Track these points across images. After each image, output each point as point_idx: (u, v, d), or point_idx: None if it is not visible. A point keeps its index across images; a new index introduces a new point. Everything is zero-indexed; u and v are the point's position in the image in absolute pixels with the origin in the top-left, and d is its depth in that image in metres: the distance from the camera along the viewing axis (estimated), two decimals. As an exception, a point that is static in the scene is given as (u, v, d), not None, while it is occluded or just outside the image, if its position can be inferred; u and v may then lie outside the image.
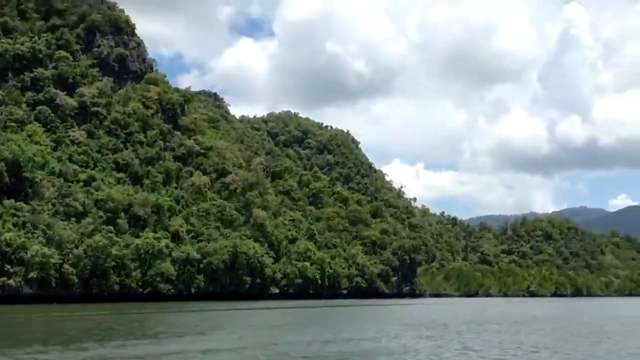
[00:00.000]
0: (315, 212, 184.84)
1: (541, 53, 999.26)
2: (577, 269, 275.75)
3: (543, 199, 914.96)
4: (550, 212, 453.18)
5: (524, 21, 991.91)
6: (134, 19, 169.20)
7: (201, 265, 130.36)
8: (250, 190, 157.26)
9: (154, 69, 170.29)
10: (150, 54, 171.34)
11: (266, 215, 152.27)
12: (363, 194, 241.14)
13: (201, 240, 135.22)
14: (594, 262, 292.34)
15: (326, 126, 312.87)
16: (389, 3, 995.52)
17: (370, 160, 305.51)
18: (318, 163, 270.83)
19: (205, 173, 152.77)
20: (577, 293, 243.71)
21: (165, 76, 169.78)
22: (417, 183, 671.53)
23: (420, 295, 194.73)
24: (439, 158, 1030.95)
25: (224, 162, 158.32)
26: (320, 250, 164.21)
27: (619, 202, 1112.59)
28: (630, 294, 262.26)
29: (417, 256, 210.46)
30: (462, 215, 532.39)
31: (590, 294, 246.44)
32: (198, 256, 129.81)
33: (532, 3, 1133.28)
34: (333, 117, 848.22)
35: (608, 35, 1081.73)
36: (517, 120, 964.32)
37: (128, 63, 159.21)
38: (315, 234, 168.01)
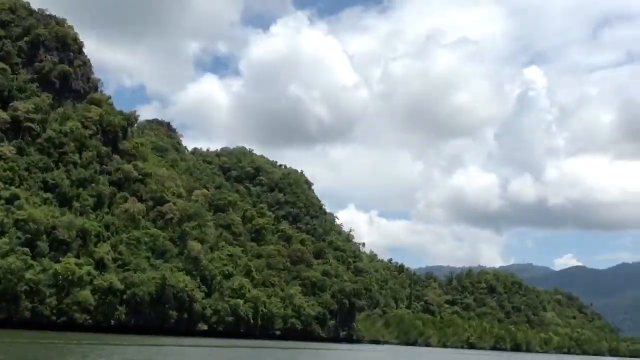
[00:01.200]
0: (256, 248, 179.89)
1: (499, 112, 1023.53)
2: (519, 324, 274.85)
3: (492, 253, 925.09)
4: (497, 266, 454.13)
5: (484, 80, 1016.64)
6: (94, 45, 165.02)
7: (124, 296, 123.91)
8: (187, 221, 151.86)
9: (99, 90, 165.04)
10: (112, 84, 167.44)
11: (201, 248, 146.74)
12: (311, 235, 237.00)
13: (127, 270, 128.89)
14: (536, 318, 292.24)
15: (280, 165, 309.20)
16: (354, 51, 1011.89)
17: (325, 203, 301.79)
18: (268, 201, 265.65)
19: (141, 200, 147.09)
20: (517, 348, 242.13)
21: (109, 98, 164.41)
22: (371, 230, 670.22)
23: (358, 341, 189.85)
24: (394, 206, 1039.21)
25: (163, 190, 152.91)
26: (257, 288, 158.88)
27: (564, 261, 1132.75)
28: (569, 352, 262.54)
29: (359, 301, 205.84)
30: (413, 265, 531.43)
31: (529, 350, 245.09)
32: (121, 286, 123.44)
33: (494, 63, 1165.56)
34: (291, 159, 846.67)
35: (564, 100, 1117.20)
36: (471, 175, 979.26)
37: (71, 81, 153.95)
38: (252, 271, 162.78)
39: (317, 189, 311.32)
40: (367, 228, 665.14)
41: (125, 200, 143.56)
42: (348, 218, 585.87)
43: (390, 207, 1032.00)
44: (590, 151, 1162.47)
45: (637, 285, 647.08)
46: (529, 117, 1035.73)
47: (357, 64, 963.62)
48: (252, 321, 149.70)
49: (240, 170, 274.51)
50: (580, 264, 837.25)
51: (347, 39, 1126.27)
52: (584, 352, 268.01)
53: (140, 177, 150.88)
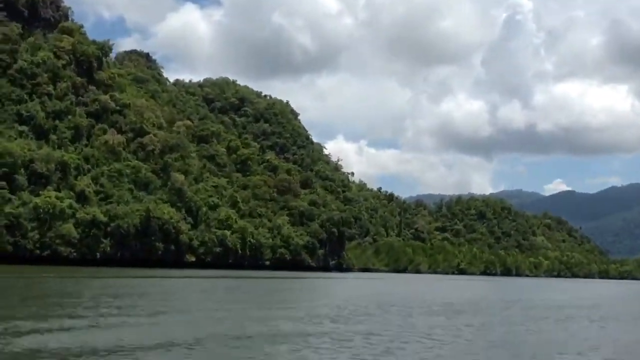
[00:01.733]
0: (241, 179, 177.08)
1: (486, 37, 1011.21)
2: (509, 249, 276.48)
3: (481, 180, 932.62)
4: (487, 193, 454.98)
5: (469, 4, 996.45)
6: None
7: (108, 229, 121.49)
8: (170, 153, 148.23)
9: (70, 19, 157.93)
10: (91, 16, 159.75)
11: (185, 180, 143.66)
12: (299, 165, 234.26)
13: (110, 202, 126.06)
14: (525, 243, 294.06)
15: (265, 95, 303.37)
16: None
17: (313, 134, 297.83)
18: (253, 131, 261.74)
19: (120, 132, 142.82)
20: (507, 272, 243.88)
21: (82, 27, 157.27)
22: (360, 159, 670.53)
23: (348, 269, 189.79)
24: (383, 136, 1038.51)
25: (143, 121, 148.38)
26: (244, 219, 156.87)
27: (553, 186, 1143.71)
28: (559, 275, 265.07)
29: (349, 230, 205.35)
30: (403, 194, 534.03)
31: (519, 274, 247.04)
32: (105, 219, 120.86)
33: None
34: (278, 90, 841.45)
35: (552, 24, 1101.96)
36: (459, 102, 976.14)
37: (40, 10, 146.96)
38: (238, 202, 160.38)
39: (305, 120, 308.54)
40: (356, 158, 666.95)
41: (104, 132, 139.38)
42: (337, 148, 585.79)
43: (379, 136, 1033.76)
44: (578, 75, 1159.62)
45: (626, 208, 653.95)
46: (516, 42, 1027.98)
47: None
48: (240, 252, 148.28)
49: (224, 101, 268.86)
50: (569, 188, 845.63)
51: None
52: (574, 275, 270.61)
53: (118, 108, 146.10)
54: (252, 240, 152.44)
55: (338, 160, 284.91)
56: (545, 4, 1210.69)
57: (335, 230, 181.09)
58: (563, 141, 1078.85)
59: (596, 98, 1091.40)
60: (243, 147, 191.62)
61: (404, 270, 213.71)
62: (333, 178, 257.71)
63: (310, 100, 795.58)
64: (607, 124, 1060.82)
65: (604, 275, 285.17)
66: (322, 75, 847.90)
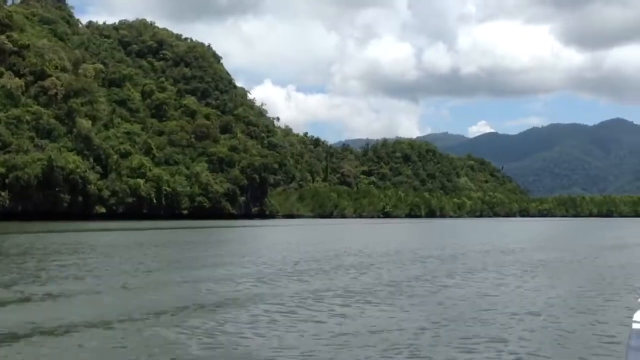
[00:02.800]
0: (157, 125, 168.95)
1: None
2: (433, 191, 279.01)
3: (409, 124, 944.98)
4: (414, 137, 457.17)
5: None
6: None
7: (6, 181, 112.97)
8: (75, 97, 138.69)
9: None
10: None
11: (92, 126, 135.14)
12: (221, 111, 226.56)
13: (8, 152, 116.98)
14: (450, 184, 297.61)
15: (185, 38, 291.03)
16: None
17: (240, 80, 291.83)
18: (173, 76, 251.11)
19: (19, 75, 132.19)
20: (431, 214, 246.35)
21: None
22: (289, 105, 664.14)
23: (272, 216, 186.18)
24: (310, 81, 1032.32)
25: (44, 63, 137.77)
26: (159, 167, 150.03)
27: (477, 128, 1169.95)
28: (481, 215, 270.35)
29: (273, 176, 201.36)
30: (332, 139, 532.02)
31: (443, 215, 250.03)
32: (2, 170, 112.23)
33: None
34: (201, 34, 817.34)
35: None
36: (386, 46, 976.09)
37: None
38: (152, 149, 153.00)
39: (232, 65, 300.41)
40: (285, 104, 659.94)
41: (1, 75, 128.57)
42: (265, 94, 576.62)
43: (306, 81, 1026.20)
44: (500, 17, 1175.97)
45: (546, 148, 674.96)
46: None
47: None
48: (155, 201, 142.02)
49: (141, 45, 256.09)
50: (493, 130, 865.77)
51: None
52: (496, 214, 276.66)
53: (15, 49, 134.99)
54: (167, 188, 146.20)
55: (262, 105, 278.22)
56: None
57: (256, 176, 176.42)
58: (486, 84, 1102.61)
59: (518, 40, 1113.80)
60: (158, 92, 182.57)
61: (329, 216, 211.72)
62: (257, 123, 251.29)
63: (236, 45, 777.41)
64: (528, 65, 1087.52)
65: (525, 213, 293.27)
66: (247, 18, 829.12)
